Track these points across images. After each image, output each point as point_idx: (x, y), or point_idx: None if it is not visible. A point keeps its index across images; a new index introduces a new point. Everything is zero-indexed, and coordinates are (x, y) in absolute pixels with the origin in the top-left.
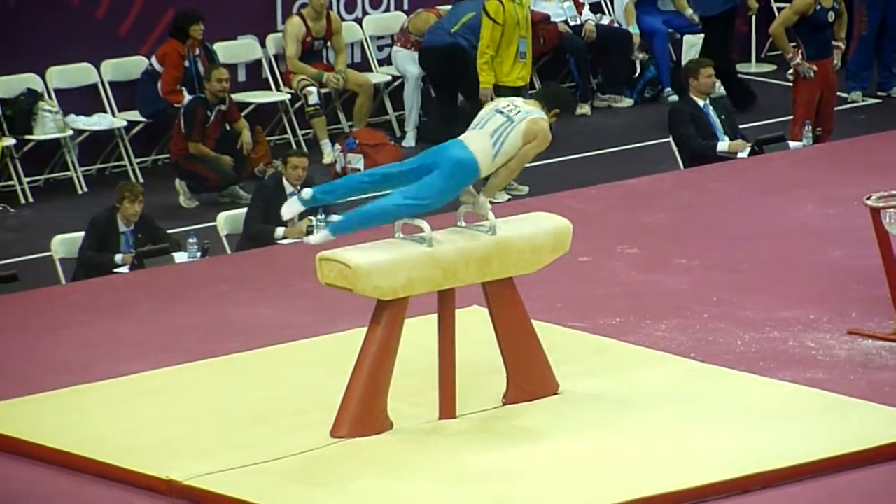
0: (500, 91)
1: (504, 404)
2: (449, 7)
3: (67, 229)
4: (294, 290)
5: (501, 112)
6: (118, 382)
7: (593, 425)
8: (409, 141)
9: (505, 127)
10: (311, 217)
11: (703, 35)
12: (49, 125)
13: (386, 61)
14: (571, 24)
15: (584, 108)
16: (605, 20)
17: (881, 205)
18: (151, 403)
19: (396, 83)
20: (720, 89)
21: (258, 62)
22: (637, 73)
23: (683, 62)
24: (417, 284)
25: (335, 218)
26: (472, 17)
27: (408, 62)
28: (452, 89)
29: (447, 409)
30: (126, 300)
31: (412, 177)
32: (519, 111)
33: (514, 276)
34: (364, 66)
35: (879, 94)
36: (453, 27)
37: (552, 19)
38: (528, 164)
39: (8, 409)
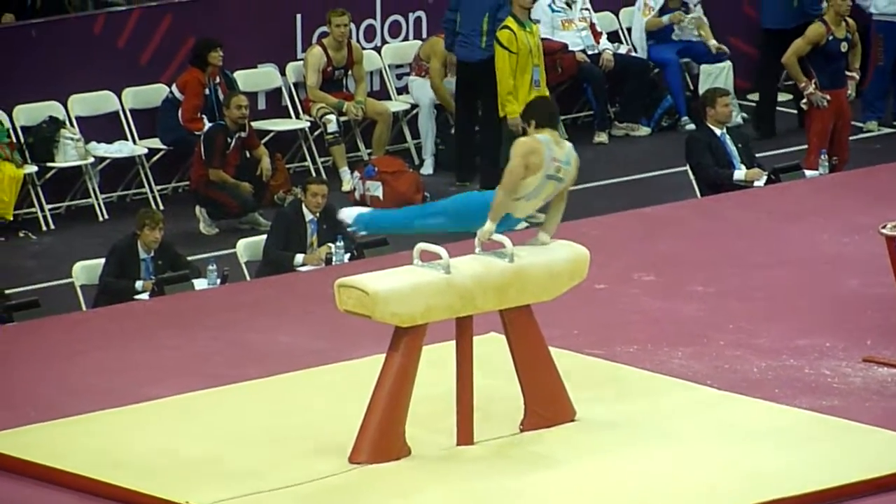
0: None
1: (521, 431)
2: None
3: (88, 256)
4: (313, 317)
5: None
6: (138, 408)
7: (610, 452)
8: (427, 169)
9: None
10: (329, 244)
11: (726, 63)
12: (70, 153)
13: (404, 90)
14: (589, 53)
15: (602, 137)
16: (623, 49)
17: None
18: (171, 428)
19: (414, 111)
20: (738, 118)
21: (278, 90)
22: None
23: (701, 92)
24: (435, 311)
25: None
26: (488, 22)
27: (421, 90)
28: (484, 102)
29: (465, 435)
30: (146, 326)
31: None
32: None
33: (532, 304)
34: (383, 95)
35: (895, 123)
36: (481, 41)
37: (570, 48)
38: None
39: (29, 435)
